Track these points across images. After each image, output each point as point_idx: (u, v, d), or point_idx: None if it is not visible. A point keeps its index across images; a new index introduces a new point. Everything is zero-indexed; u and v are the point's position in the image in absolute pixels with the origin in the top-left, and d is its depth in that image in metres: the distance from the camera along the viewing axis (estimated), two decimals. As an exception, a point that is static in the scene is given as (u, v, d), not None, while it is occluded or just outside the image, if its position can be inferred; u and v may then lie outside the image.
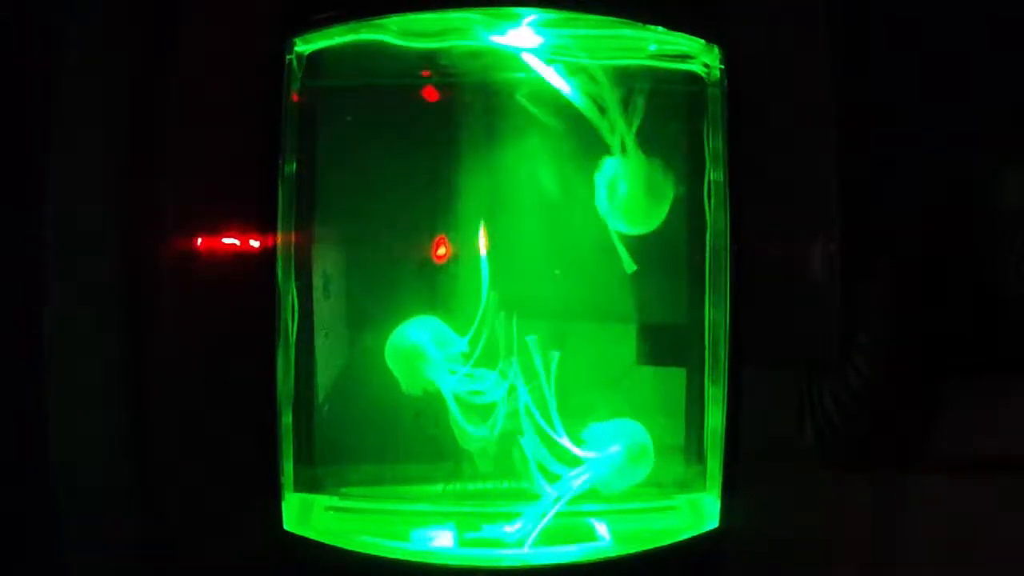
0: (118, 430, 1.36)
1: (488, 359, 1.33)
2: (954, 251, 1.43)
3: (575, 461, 1.33)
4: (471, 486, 1.37)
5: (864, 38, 1.42)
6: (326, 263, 1.37)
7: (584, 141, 1.34)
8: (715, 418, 1.33)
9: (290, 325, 1.33)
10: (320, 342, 1.37)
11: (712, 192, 1.34)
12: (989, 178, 1.45)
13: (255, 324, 1.30)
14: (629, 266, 1.34)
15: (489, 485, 1.36)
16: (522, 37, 1.33)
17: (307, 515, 1.35)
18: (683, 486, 1.39)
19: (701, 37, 1.32)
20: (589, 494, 1.33)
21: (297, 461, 1.35)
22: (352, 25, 1.30)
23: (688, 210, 1.36)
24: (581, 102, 1.32)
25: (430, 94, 1.38)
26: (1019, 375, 1.42)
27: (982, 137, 1.45)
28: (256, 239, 1.32)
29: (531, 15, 1.31)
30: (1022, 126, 1.45)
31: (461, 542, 1.32)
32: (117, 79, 1.34)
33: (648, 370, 1.40)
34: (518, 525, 1.30)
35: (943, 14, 1.44)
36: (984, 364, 1.42)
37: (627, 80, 1.33)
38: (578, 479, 1.31)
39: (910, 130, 1.43)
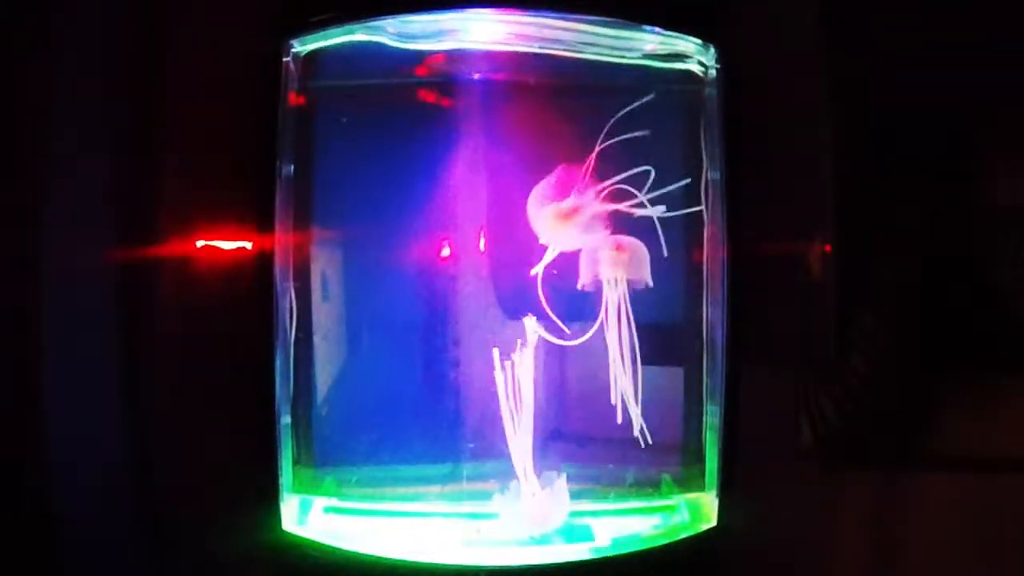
0: (118, 430, 1.37)
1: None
2: (953, 250, 1.43)
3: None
4: (469, 486, 1.37)
5: (862, 35, 1.42)
6: (324, 265, 1.37)
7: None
8: (713, 417, 1.34)
9: (288, 327, 1.33)
10: (318, 343, 1.37)
11: (709, 192, 1.34)
12: (989, 177, 1.45)
13: (254, 326, 1.31)
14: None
15: (488, 485, 1.36)
16: (519, 39, 1.33)
17: (306, 516, 1.35)
18: (681, 486, 1.39)
19: (698, 37, 1.33)
20: (585, 494, 1.34)
21: (296, 462, 1.35)
22: (349, 27, 1.31)
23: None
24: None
25: (428, 95, 1.38)
26: (1019, 375, 1.42)
27: (982, 136, 1.45)
28: (254, 241, 1.33)
29: (528, 17, 1.31)
30: (1022, 125, 1.45)
31: (460, 542, 1.32)
32: (115, 81, 1.35)
33: (646, 370, 1.40)
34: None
35: (942, 12, 1.44)
36: (984, 364, 1.42)
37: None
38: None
39: (908, 129, 1.43)
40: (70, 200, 1.31)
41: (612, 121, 1.31)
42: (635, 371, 1.32)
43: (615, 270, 1.31)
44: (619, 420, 1.32)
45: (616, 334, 1.32)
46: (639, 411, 1.32)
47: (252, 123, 1.30)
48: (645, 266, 1.32)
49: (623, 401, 1.32)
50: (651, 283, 1.32)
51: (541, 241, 1.32)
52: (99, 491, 1.35)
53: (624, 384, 1.32)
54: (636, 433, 1.32)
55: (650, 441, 1.32)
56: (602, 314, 1.32)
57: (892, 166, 1.41)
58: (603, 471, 1.38)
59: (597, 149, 1.31)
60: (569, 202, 1.30)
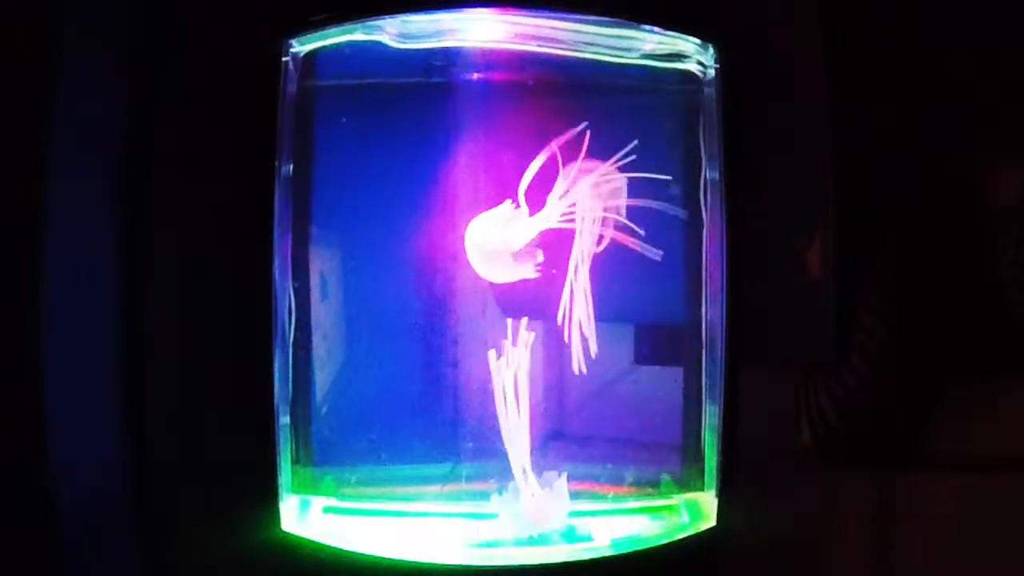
0: (118, 430, 1.37)
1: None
2: (953, 250, 1.43)
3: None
4: (468, 487, 1.37)
5: (861, 35, 1.42)
6: (323, 264, 1.37)
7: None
8: (712, 417, 1.34)
9: (287, 326, 1.33)
10: (317, 343, 1.37)
11: (708, 191, 1.34)
12: (988, 177, 1.45)
13: (253, 325, 1.31)
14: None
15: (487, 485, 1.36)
16: (517, 38, 1.34)
17: (305, 516, 1.35)
18: (681, 485, 1.39)
19: (697, 36, 1.33)
20: (584, 494, 1.34)
21: (295, 462, 1.35)
22: (348, 27, 1.31)
23: (685, 210, 1.36)
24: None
25: (427, 95, 1.38)
26: (1019, 375, 1.42)
27: (981, 136, 1.45)
28: (253, 240, 1.33)
29: (527, 17, 1.31)
30: (1020, 125, 1.45)
31: (460, 543, 1.32)
32: (115, 80, 1.35)
33: (645, 370, 1.40)
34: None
35: (941, 11, 1.44)
36: (984, 364, 1.42)
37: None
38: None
39: (908, 128, 1.43)
40: (70, 199, 1.31)
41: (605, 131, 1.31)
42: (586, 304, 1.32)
43: (594, 201, 1.31)
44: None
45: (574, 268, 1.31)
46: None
47: (251, 122, 1.30)
48: (622, 197, 1.31)
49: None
50: (623, 216, 1.32)
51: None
52: (99, 491, 1.35)
53: (578, 314, 1.31)
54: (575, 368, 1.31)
55: (583, 371, 1.32)
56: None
57: (892, 166, 1.41)
58: (603, 471, 1.38)
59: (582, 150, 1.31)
60: (496, 238, 1.30)
